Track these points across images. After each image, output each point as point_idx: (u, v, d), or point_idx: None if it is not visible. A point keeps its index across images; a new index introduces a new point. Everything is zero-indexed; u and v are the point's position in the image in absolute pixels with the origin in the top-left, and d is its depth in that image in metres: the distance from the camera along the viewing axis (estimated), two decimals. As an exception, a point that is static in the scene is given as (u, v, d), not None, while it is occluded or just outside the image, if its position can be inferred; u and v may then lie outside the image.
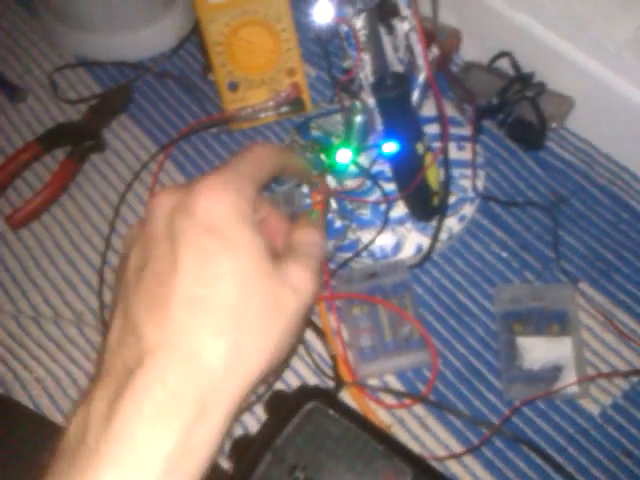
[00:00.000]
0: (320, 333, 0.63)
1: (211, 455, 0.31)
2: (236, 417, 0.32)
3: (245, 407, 0.33)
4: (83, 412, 0.31)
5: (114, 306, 0.35)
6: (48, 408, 0.63)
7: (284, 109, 0.75)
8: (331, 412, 0.54)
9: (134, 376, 0.30)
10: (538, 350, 0.62)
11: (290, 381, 0.63)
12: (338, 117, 0.71)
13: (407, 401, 0.61)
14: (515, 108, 0.70)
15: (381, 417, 0.60)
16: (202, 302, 0.31)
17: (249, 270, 0.32)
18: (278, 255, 0.36)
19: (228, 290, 0.32)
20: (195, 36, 0.82)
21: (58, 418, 0.62)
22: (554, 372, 0.61)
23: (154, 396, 0.29)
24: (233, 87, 0.73)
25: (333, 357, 0.62)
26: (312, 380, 0.63)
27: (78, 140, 0.73)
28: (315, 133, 0.70)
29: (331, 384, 0.61)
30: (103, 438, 0.29)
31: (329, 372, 0.62)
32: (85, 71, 0.83)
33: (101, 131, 0.77)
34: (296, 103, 0.74)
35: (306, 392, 0.56)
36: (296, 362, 0.64)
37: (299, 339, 0.41)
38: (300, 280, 0.34)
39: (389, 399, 0.62)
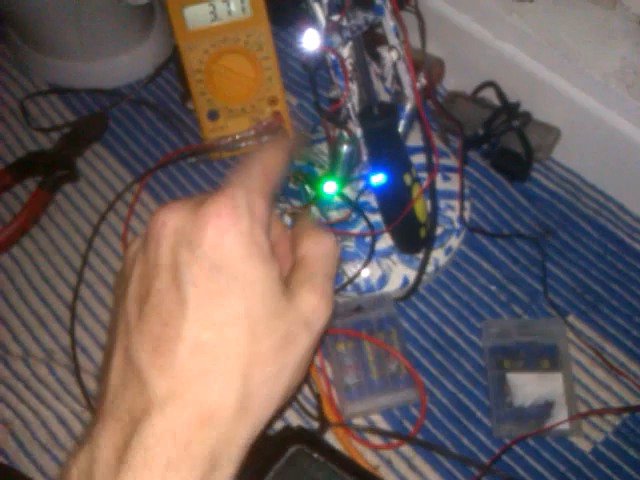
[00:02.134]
0: (303, 370, 0.61)
1: None
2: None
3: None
4: (87, 458, 0.29)
5: (114, 334, 0.32)
6: (15, 453, 0.60)
7: (265, 138, 0.73)
8: (316, 456, 0.52)
9: (142, 427, 0.28)
10: (529, 386, 0.60)
11: (272, 421, 0.60)
12: (320, 147, 0.69)
13: (394, 441, 0.59)
14: (501, 139, 0.69)
15: (367, 458, 0.58)
16: (211, 349, 0.29)
17: (260, 312, 0.30)
18: (286, 277, 0.33)
19: (238, 335, 0.30)
20: (173, 63, 0.80)
21: (25, 464, 0.59)
22: (545, 409, 0.59)
23: (165, 451, 0.28)
24: (213, 116, 0.72)
25: (317, 396, 0.59)
26: (295, 420, 0.60)
27: (50, 169, 0.70)
28: (297, 163, 0.68)
29: (315, 425, 0.59)
30: None
31: (313, 412, 0.60)
32: (58, 98, 0.81)
33: (74, 160, 0.74)
34: (278, 132, 0.73)
35: (289, 434, 0.54)
36: (278, 401, 0.61)
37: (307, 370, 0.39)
38: (313, 311, 0.32)
39: (376, 439, 0.59)
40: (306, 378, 0.61)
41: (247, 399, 0.30)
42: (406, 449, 0.59)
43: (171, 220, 0.31)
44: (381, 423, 0.60)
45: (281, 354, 0.31)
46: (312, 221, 0.38)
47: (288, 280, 0.33)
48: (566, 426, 0.58)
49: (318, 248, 0.35)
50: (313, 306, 0.32)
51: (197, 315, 0.29)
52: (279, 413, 0.32)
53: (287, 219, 0.65)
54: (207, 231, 0.30)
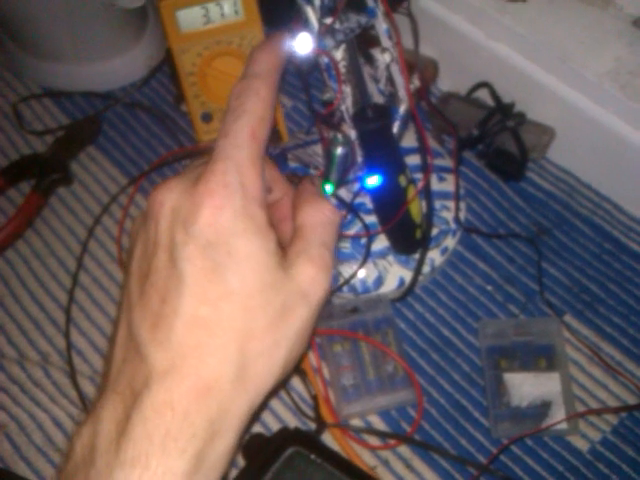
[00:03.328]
0: (300, 371, 0.61)
1: (223, 470, 0.31)
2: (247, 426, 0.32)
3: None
4: (90, 432, 0.30)
5: (120, 310, 0.33)
6: (11, 456, 0.59)
7: (260, 140, 0.73)
8: (313, 457, 0.51)
9: (142, 400, 0.29)
10: (526, 386, 0.60)
11: (269, 423, 0.60)
12: (315, 148, 0.69)
13: (392, 442, 0.59)
14: (495, 139, 0.69)
15: (365, 459, 0.58)
16: (207, 323, 0.30)
17: (254, 285, 0.31)
18: (285, 247, 0.34)
19: (233, 309, 0.31)
20: (167, 66, 0.80)
21: (21, 467, 0.58)
22: (542, 409, 0.59)
23: (164, 422, 0.29)
24: (207, 118, 0.71)
25: (314, 397, 0.59)
26: (292, 421, 0.60)
27: (44, 173, 0.70)
28: (292, 164, 0.68)
29: (312, 426, 0.59)
30: (114, 462, 0.28)
31: (310, 413, 0.59)
32: (51, 102, 0.81)
33: (68, 163, 0.74)
34: (272, 134, 0.72)
35: (286, 435, 0.53)
36: (275, 403, 0.61)
37: (309, 342, 0.39)
38: (311, 282, 0.33)
39: (373, 440, 0.59)
40: (303, 379, 0.61)
41: (244, 371, 0.31)
42: (403, 450, 0.59)
43: (168, 200, 0.32)
44: (378, 424, 0.60)
45: (278, 326, 0.32)
46: (313, 188, 0.38)
47: (286, 251, 0.34)
48: (564, 426, 0.58)
49: (316, 216, 0.35)
50: (310, 277, 0.33)
51: (193, 291, 0.30)
52: (281, 385, 0.33)
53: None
54: (201, 211, 0.31)
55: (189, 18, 0.67)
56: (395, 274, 0.64)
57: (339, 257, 0.64)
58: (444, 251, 0.65)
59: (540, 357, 0.61)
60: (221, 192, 0.31)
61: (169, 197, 0.32)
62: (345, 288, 0.63)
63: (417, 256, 0.64)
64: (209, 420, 0.30)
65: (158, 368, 0.30)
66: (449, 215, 0.66)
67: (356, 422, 0.60)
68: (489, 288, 0.66)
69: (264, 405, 0.60)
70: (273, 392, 0.33)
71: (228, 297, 0.31)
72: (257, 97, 0.34)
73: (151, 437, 0.29)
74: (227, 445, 0.30)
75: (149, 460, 0.28)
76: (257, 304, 0.31)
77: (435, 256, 0.65)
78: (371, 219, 0.63)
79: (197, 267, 0.30)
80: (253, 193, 0.32)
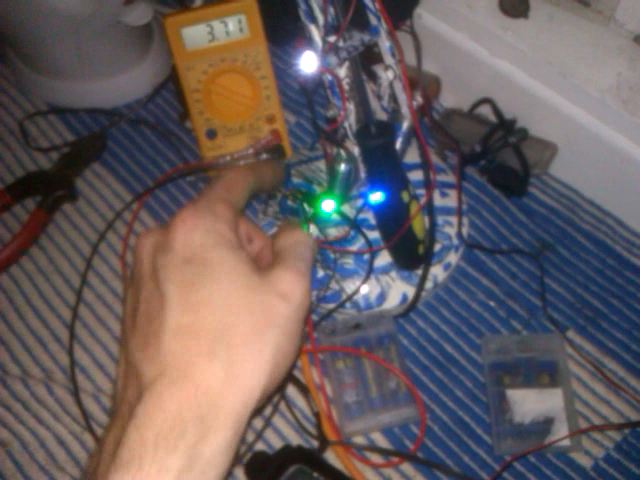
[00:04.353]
0: (303, 388, 0.61)
1: (223, 470, 0.32)
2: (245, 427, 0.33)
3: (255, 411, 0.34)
4: (97, 456, 0.32)
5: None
6: (13, 475, 0.59)
7: (264, 156, 0.73)
8: (316, 475, 0.52)
9: (136, 410, 0.31)
10: (528, 403, 0.60)
11: (271, 440, 0.60)
12: (319, 164, 0.70)
13: (394, 460, 0.59)
14: (498, 155, 0.69)
15: (368, 477, 0.58)
16: (192, 329, 0.32)
17: (232, 288, 0.34)
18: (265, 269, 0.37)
19: (215, 311, 0.33)
20: (171, 83, 0.81)
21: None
22: (545, 425, 0.59)
23: (155, 425, 0.30)
24: (211, 135, 0.72)
25: (316, 414, 0.59)
26: (295, 439, 0.60)
27: (49, 189, 0.71)
28: (296, 180, 0.69)
29: (315, 443, 0.59)
30: (111, 468, 0.30)
31: (312, 430, 0.59)
32: (57, 118, 0.81)
33: (73, 180, 0.74)
34: (276, 150, 0.73)
35: (289, 453, 0.54)
36: (277, 420, 0.61)
37: (301, 346, 0.42)
38: (288, 284, 0.35)
39: (376, 458, 0.59)
40: (305, 396, 0.61)
41: (232, 367, 0.32)
42: (406, 467, 0.59)
43: (148, 241, 0.36)
44: (381, 441, 0.60)
45: (260, 323, 0.34)
46: (289, 223, 0.42)
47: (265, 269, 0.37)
48: (567, 442, 0.58)
49: (291, 238, 0.40)
50: (287, 280, 0.35)
51: (175, 304, 0.33)
52: (279, 386, 0.35)
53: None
54: (176, 236, 0.35)
55: (194, 36, 0.67)
56: (398, 290, 0.64)
57: (342, 273, 0.64)
58: (447, 267, 0.66)
59: (543, 373, 0.61)
60: (192, 217, 0.35)
61: (149, 239, 0.36)
62: (348, 304, 0.63)
63: (420, 272, 0.64)
64: (200, 417, 0.31)
65: (149, 378, 0.32)
66: (452, 231, 0.67)
67: (359, 439, 0.60)
68: (492, 304, 0.66)
69: (267, 422, 0.60)
70: (270, 395, 0.34)
71: (208, 301, 0.33)
72: (233, 174, 0.40)
73: (144, 440, 0.30)
74: (222, 442, 0.32)
75: (142, 461, 0.30)
76: (237, 305, 0.33)
77: (438, 272, 0.65)
78: (374, 235, 0.63)
79: (177, 282, 0.33)
80: (222, 217, 0.36)
